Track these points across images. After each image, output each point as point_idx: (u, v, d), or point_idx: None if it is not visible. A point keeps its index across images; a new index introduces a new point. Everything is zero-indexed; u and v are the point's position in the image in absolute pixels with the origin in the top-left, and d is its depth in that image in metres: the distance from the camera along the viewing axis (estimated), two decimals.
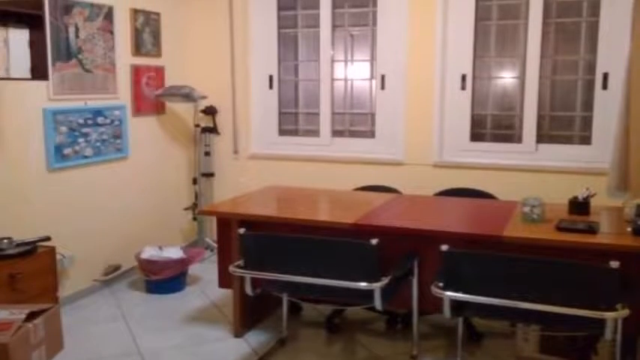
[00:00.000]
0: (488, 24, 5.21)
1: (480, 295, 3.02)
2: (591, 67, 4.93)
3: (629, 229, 3.30)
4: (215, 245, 5.45)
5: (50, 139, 4.47)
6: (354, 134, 5.79)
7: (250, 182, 5.82)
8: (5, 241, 3.94)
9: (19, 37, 3.88)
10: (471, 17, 5.18)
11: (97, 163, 4.94)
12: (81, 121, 4.74)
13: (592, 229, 3.32)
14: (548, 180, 4.93)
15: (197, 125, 5.97)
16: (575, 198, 3.80)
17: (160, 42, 5.61)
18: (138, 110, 5.36)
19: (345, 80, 5.79)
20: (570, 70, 5.04)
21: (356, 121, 5.79)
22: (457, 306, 3.17)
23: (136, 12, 5.25)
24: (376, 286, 3.21)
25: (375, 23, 5.54)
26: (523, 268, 2.95)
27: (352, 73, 5.75)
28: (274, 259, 3.44)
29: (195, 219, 6.06)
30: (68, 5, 4.57)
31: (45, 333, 3.53)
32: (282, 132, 6.05)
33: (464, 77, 5.25)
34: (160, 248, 5.13)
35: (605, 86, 4.86)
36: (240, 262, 3.55)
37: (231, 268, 3.56)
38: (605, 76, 4.85)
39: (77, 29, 4.66)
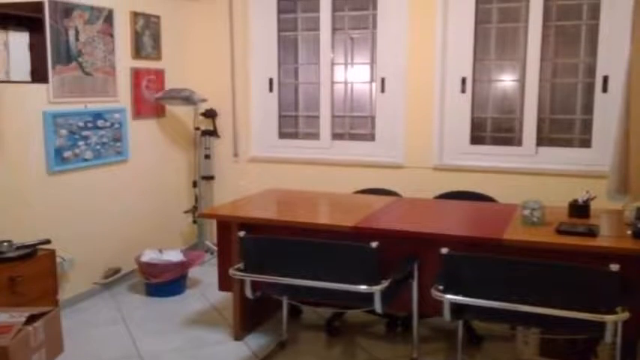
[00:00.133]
0: (489, 27, 5.21)
1: (480, 298, 3.02)
2: (591, 70, 4.93)
3: (629, 232, 3.30)
4: (215, 248, 5.45)
5: (50, 142, 4.47)
6: (354, 137, 5.79)
7: (250, 185, 5.82)
8: (5, 244, 3.93)
9: (19, 40, 3.88)
10: (471, 20, 5.18)
11: (97, 166, 4.94)
12: (81, 124, 4.74)
13: (592, 232, 3.32)
14: (548, 183, 4.93)
15: (197, 128, 5.97)
16: (575, 201, 3.80)
17: (160, 45, 5.61)
18: (138, 113, 5.36)
19: (345, 83, 5.79)
20: (570, 73, 5.04)
21: (356, 124, 5.79)
22: (457, 309, 3.16)
23: (136, 15, 5.26)
24: (376, 289, 3.21)
25: (375, 26, 5.55)
26: (523, 271, 2.95)
27: (352, 76, 5.76)
28: (274, 262, 3.44)
29: (195, 222, 6.06)
30: (68, 8, 4.57)
31: (45, 336, 3.53)
32: (282, 135, 6.05)
33: (464, 80, 5.25)
34: (160, 251, 5.13)
35: (605, 89, 4.86)
36: (240, 265, 3.54)
37: (231, 271, 3.56)
38: (605, 79, 4.86)
39: (77, 32, 4.66)
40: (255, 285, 3.61)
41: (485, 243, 3.35)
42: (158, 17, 5.55)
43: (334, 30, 5.70)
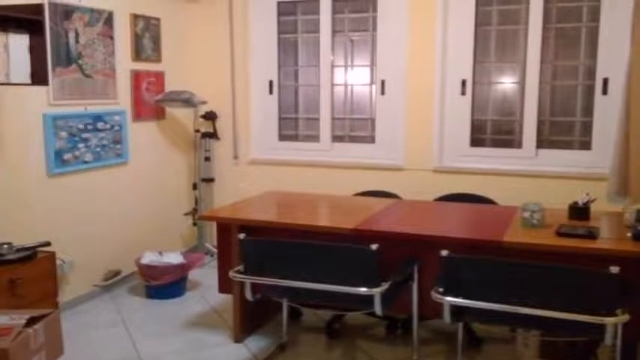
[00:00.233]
0: (489, 29, 5.21)
1: (480, 300, 3.02)
2: (591, 73, 4.93)
3: (629, 234, 3.30)
4: (215, 250, 5.45)
5: (50, 145, 4.47)
6: (354, 139, 5.79)
7: (250, 187, 5.82)
8: (5, 246, 3.93)
9: (19, 43, 3.87)
10: (471, 22, 5.18)
11: (97, 168, 4.94)
12: (81, 126, 4.75)
13: (592, 235, 3.32)
14: (548, 185, 4.93)
15: (197, 130, 5.97)
16: (575, 203, 3.80)
17: (160, 47, 5.62)
18: (138, 115, 5.36)
19: (345, 85, 5.79)
20: (570, 76, 5.04)
21: (356, 127, 5.79)
22: (457, 311, 3.16)
23: (136, 17, 5.26)
24: (376, 291, 3.21)
25: (375, 28, 5.55)
26: (523, 274, 2.95)
27: (352, 78, 5.76)
28: (274, 264, 3.44)
29: (195, 224, 6.06)
30: (68, 10, 4.58)
31: (45, 338, 3.53)
32: (282, 137, 6.05)
33: (464, 82, 5.25)
34: (160, 253, 5.12)
35: (605, 91, 4.86)
36: (240, 268, 3.54)
37: (231, 274, 3.56)
38: (605, 82, 4.85)
39: (77, 34, 4.67)
40: (255, 287, 3.62)
41: (486, 245, 3.34)
42: (158, 19, 5.56)
43: (334, 32, 5.70)
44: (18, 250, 3.96)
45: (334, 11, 5.66)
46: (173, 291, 4.99)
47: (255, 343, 4.12)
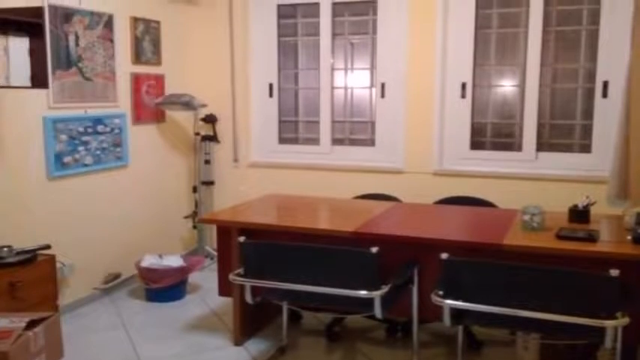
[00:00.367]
0: (489, 32, 5.22)
1: (480, 303, 3.02)
2: (591, 76, 4.93)
3: (629, 237, 3.30)
4: (215, 253, 5.45)
5: (50, 148, 4.47)
6: (354, 142, 5.80)
7: (250, 190, 5.82)
8: (5, 249, 3.93)
9: (19, 46, 3.87)
10: (471, 25, 5.19)
11: (97, 171, 4.94)
12: (81, 129, 4.75)
13: (592, 238, 3.32)
14: (548, 188, 4.93)
15: (197, 133, 5.97)
16: (575, 206, 3.80)
17: (160, 50, 5.62)
18: (138, 118, 5.37)
19: (345, 88, 5.79)
20: (570, 79, 5.04)
21: (356, 130, 5.79)
22: (457, 314, 3.16)
23: (136, 20, 5.27)
24: (376, 294, 3.21)
25: (375, 31, 5.55)
26: (523, 277, 2.95)
27: (352, 81, 5.76)
28: (274, 267, 3.44)
29: (195, 227, 6.05)
30: (68, 13, 4.58)
31: (45, 341, 3.52)
32: (282, 140, 6.06)
33: (464, 85, 5.26)
34: (160, 256, 5.12)
35: (605, 94, 4.87)
36: (240, 271, 3.54)
37: (231, 277, 3.56)
38: (605, 85, 4.86)
39: (77, 37, 4.67)
40: (255, 290, 3.61)
41: (486, 248, 3.34)
42: (158, 22, 5.56)
43: (334, 35, 5.70)
44: (18, 253, 3.96)
45: (334, 14, 5.66)
46: (173, 294, 4.99)
47: (255, 346, 4.12)
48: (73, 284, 4.76)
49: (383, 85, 5.55)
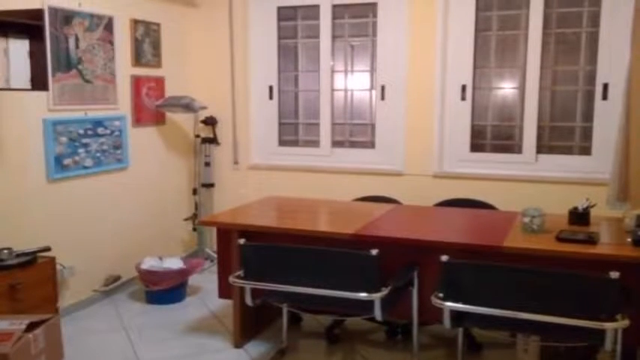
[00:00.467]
0: (488, 34, 5.22)
1: (480, 305, 3.02)
2: (591, 78, 4.94)
3: (629, 239, 3.30)
4: (215, 256, 5.45)
5: (50, 150, 4.47)
6: (354, 145, 5.80)
7: (250, 193, 5.82)
8: (5, 251, 3.93)
9: (19, 48, 3.88)
10: (471, 28, 5.19)
11: (97, 173, 4.94)
12: (81, 131, 4.75)
13: (592, 240, 3.32)
14: (548, 190, 4.93)
15: (197, 136, 5.97)
16: (575, 208, 3.80)
17: (160, 52, 5.62)
18: (138, 121, 5.37)
19: (345, 91, 5.80)
20: (570, 81, 5.05)
21: (356, 132, 5.79)
22: (457, 316, 3.16)
23: (136, 22, 5.27)
24: (376, 296, 3.21)
25: (375, 34, 5.55)
26: (523, 279, 2.95)
27: (352, 83, 5.77)
28: (274, 269, 3.44)
29: (195, 229, 6.05)
30: (68, 16, 4.58)
31: (45, 343, 3.52)
32: (282, 142, 6.06)
33: (464, 88, 5.26)
34: (160, 259, 5.13)
35: (605, 97, 4.87)
36: (240, 273, 3.54)
37: (231, 279, 3.55)
38: (605, 87, 4.86)
39: (77, 40, 4.67)
40: (255, 292, 3.61)
41: (486, 251, 3.34)
42: (158, 25, 5.56)
43: (334, 37, 5.71)
44: (18, 256, 3.96)
45: (334, 16, 5.66)
46: (173, 296, 4.99)
47: (255, 349, 4.12)
48: (73, 286, 4.76)
49: (383, 88, 5.55)
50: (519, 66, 5.14)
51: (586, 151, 5.01)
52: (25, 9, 3.95)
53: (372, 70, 5.64)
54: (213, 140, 5.97)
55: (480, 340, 4.09)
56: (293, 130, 6.04)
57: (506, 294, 2.97)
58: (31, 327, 3.46)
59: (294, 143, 6.03)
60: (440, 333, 4.30)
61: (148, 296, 4.99)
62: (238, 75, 5.94)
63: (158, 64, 5.60)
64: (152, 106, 5.52)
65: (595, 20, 4.86)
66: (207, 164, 6.02)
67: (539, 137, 5.12)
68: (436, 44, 5.21)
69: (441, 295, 3.10)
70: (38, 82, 3.95)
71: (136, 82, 5.32)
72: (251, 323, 4.24)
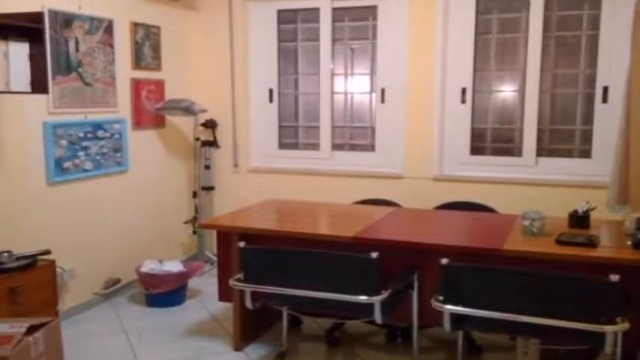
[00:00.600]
0: (488, 37, 5.22)
1: (480, 308, 3.02)
2: (591, 81, 4.94)
3: (629, 242, 3.30)
4: (215, 259, 5.44)
5: (50, 153, 4.47)
6: (354, 148, 5.80)
7: (250, 196, 5.82)
8: (5, 254, 3.92)
9: (19, 51, 3.88)
10: (471, 31, 5.19)
11: (96, 176, 4.94)
12: (81, 134, 4.75)
13: (592, 243, 3.32)
14: (548, 193, 4.93)
15: (197, 139, 5.98)
16: (575, 211, 3.80)
17: (160, 55, 5.62)
18: (138, 124, 5.37)
19: (345, 94, 5.80)
20: (570, 84, 5.05)
21: (356, 135, 5.79)
22: (457, 319, 3.16)
23: (136, 25, 5.27)
24: (376, 299, 3.21)
25: (375, 37, 5.56)
26: (523, 282, 2.95)
27: (352, 86, 5.77)
28: (274, 272, 3.44)
29: (195, 232, 6.05)
30: (68, 19, 4.59)
31: (45, 346, 3.51)
32: (282, 145, 6.06)
33: (464, 91, 5.26)
34: (160, 262, 5.12)
35: (605, 100, 4.87)
36: (240, 276, 3.54)
37: (231, 282, 3.56)
38: (605, 90, 4.86)
39: (77, 43, 4.68)
40: (255, 295, 3.61)
41: (486, 254, 3.34)
42: (158, 28, 5.57)
43: (334, 40, 5.71)
44: (18, 259, 3.95)
45: (334, 19, 5.67)
46: (173, 299, 4.98)
47: (255, 352, 4.12)
48: (73, 289, 4.75)
49: (383, 91, 5.55)
50: (519, 69, 5.14)
51: (586, 154, 5.01)
52: (25, 12, 3.95)
53: (372, 73, 5.64)
54: (213, 143, 5.97)
55: (480, 343, 4.08)
56: (293, 133, 6.04)
57: (506, 297, 2.97)
58: (31, 330, 3.45)
59: (294, 146, 6.03)
60: (440, 336, 4.30)
61: (147, 299, 4.99)
62: (238, 78, 5.94)
63: (158, 67, 5.61)
64: (152, 109, 5.53)
65: (595, 23, 4.87)
66: (207, 167, 6.02)
67: (539, 140, 5.12)
68: (436, 47, 5.21)
69: (441, 298, 3.10)
70: (38, 85, 3.95)
71: (136, 85, 5.32)
72: (251, 326, 4.24)
